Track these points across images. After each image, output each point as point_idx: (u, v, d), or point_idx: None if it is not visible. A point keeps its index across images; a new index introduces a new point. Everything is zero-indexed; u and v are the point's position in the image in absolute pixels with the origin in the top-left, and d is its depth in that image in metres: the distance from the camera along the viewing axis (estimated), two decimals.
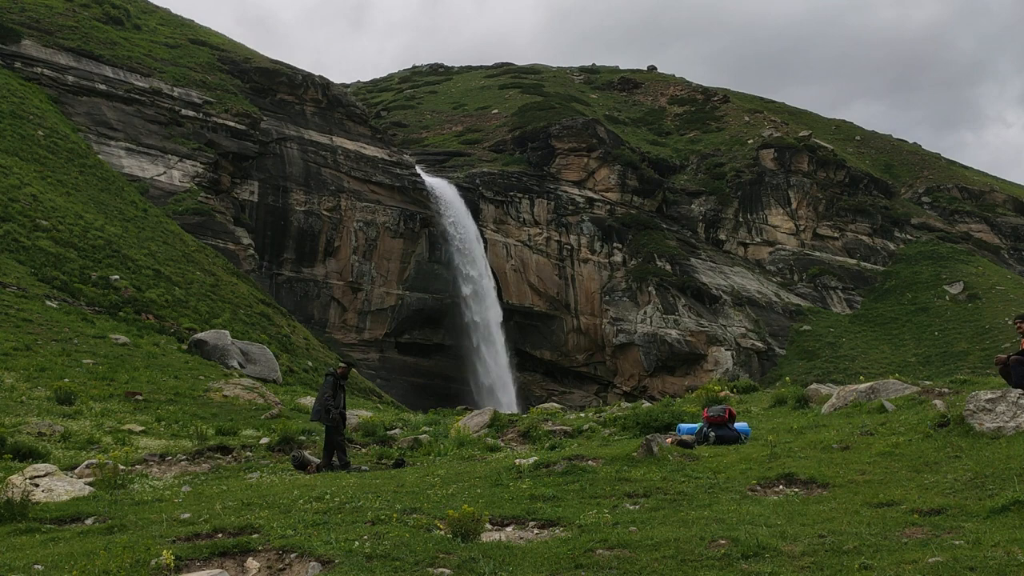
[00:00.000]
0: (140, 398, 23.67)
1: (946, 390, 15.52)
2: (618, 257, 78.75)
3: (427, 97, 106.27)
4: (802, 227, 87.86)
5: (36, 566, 8.28)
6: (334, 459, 15.81)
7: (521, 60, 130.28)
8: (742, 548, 7.84)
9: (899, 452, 11.83)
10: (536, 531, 9.46)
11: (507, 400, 69.80)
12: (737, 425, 15.18)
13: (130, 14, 71.08)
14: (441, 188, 77.54)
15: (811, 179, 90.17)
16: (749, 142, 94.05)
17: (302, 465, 15.66)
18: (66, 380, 23.31)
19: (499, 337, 74.71)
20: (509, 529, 9.62)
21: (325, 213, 69.47)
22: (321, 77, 76.35)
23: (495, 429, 19.37)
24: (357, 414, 22.37)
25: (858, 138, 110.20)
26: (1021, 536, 7.75)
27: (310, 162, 69.91)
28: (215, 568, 8.00)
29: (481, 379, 73.09)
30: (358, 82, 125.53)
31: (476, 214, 77.82)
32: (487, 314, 74.86)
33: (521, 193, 79.88)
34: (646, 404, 22.88)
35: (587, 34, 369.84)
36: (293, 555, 8.32)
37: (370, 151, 73.98)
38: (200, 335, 34.85)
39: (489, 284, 76.20)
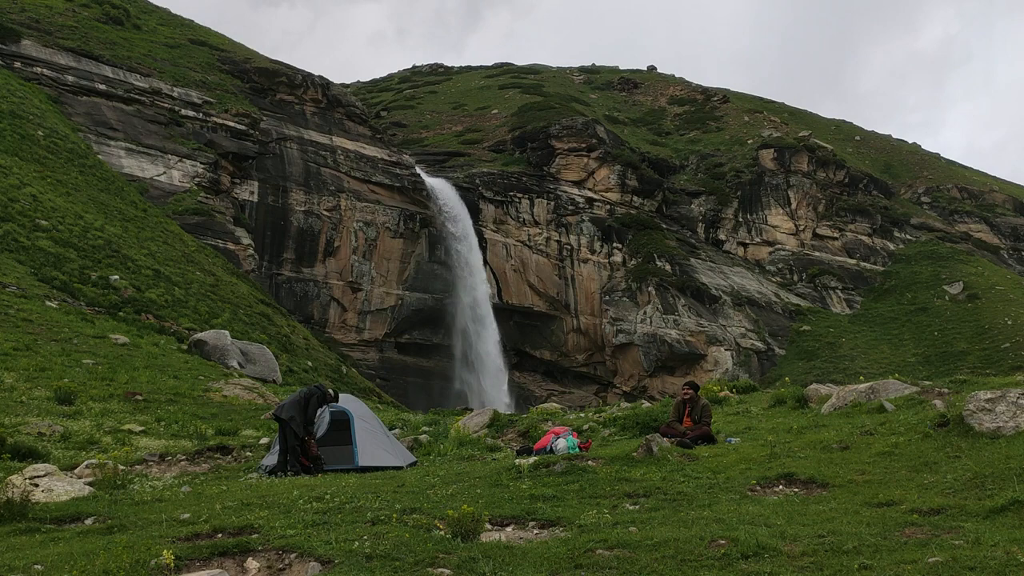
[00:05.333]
0: (140, 398, 23.64)
1: (946, 390, 15.51)
2: (618, 257, 78.75)
3: (427, 97, 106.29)
4: (802, 227, 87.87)
5: (36, 566, 8.28)
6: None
7: (521, 60, 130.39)
8: (742, 548, 7.84)
9: (899, 452, 11.82)
10: (536, 531, 9.46)
11: (507, 400, 69.84)
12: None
13: (130, 14, 71.07)
14: (441, 188, 77.55)
15: (811, 179, 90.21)
16: (749, 142, 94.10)
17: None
18: (66, 380, 23.28)
19: (499, 337, 74.73)
20: (509, 529, 9.62)
21: (325, 213, 69.48)
22: (321, 77, 76.37)
23: (495, 429, 19.36)
24: None
25: (858, 138, 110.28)
26: (1021, 536, 7.75)
27: (310, 162, 69.93)
28: (215, 568, 7.99)
29: (481, 379, 73.12)
30: (358, 82, 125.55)
31: (476, 214, 77.82)
32: (486, 314, 74.89)
33: (521, 193, 79.87)
34: (646, 404, 22.85)
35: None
36: (293, 555, 8.32)
37: (370, 151, 74.00)
38: (200, 335, 34.82)
39: (489, 284, 76.22)
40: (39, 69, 57.57)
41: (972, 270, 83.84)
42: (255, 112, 67.28)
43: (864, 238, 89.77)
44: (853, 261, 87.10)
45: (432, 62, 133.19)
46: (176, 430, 20.56)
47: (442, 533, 8.85)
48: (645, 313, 75.19)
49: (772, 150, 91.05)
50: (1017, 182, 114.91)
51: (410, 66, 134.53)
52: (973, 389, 14.13)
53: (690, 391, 15.99)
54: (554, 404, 29.79)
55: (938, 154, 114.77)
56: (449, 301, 73.88)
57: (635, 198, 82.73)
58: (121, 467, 14.82)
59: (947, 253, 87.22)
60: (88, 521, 10.72)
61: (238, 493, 12.20)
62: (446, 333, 74.12)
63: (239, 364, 33.15)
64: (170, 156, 59.46)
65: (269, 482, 13.81)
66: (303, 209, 68.34)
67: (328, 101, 74.65)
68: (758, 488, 11.03)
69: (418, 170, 77.28)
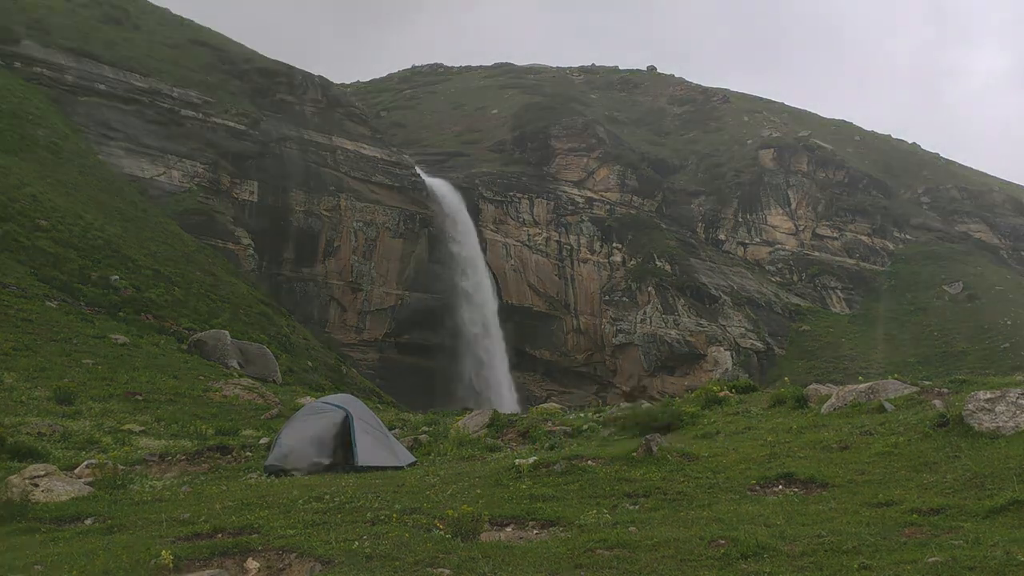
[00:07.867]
0: (140, 398, 23.66)
1: (945, 390, 15.50)
2: (618, 257, 78.74)
3: (426, 97, 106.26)
4: (801, 227, 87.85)
5: (36, 566, 8.29)
6: None
7: (521, 60, 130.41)
8: (742, 548, 7.84)
9: (898, 452, 11.82)
10: (536, 531, 9.47)
11: (506, 400, 69.77)
12: None
13: (130, 14, 71.05)
14: (441, 188, 77.53)
15: (810, 179, 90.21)
16: (748, 142, 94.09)
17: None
18: (66, 380, 23.31)
19: (498, 337, 74.70)
20: (509, 529, 9.62)
21: (325, 213, 69.43)
22: (321, 77, 76.36)
23: (495, 429, 19.33)
24: None
25: (858, 138, 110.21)
26: (1020, 536, 7.75)
27: (310, 162, 69.87)
28: (215, 568, 8.00)
29: (480, 379, 73.07)
30: (358, 82, 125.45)
31: (476, 214, 77.79)
32: (486, 314, 74.87)
33: (520, 193, 79.87)
34: (646, 404, 22.85)
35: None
36: (293, 555, 8.32)
37: (369, 151, 73.96)
38: (200, 335, 34.85)
39: (488, 284, 76.19)
40: (39, 69, 57.55)
41: (972, 270, 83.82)
42: (255, 112, 67.27)
43: (864, 238, 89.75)
44: (853, 261, 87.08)
45: (432, 62, 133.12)
46: (176, 430, 20.56)
47: (442, 533, 8.86)
48: (645, 313, 75.20)
49: (772, 150, 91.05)
50: (1017, 182, 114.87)
51: (410, 66, 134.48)
52: (973, 389, 14.12)
53: None
54: (554, 404, 29.78)
55: (937, 154, 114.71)
56: (450, 301, 73.84)
57: (635, 198, 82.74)
58: (121, 467, 14.82)
59: (947, 253, 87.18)
60: (88, 521, 10.72)
61: (238, 493, 12.20)
62: (446, 333, 74.07)
63: (239, 364, 33.18)
64: (170, 156, 59.45)
65: (269, 482, 13.82)
66: (303, 209, 68.30)
67: (328, 101, 74.63)
68: (758, 488, 11.03)
69: (418, 170, 77.24)
